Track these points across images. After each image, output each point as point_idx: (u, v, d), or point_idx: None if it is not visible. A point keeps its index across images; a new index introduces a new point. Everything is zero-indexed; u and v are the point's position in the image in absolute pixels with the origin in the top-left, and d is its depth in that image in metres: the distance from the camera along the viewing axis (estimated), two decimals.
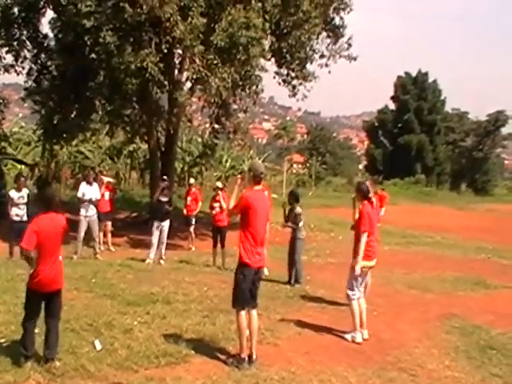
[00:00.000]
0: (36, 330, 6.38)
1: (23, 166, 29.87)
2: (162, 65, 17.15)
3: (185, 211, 17.67)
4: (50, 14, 20.59)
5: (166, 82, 19.03)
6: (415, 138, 61.02)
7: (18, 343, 6.30)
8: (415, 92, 63.46)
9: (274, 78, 23.36)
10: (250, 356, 6.73)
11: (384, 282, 11.83)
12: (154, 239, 14.11)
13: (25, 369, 5.96)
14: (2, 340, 6.84)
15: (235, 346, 7.09)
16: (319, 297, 10.62)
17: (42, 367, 6.05)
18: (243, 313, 6.71)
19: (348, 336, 8.06)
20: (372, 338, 8.14)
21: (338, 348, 7.75)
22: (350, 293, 8.13)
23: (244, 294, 6.68)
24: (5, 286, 9.89)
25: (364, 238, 7.93)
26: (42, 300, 6.26)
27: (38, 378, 5.84)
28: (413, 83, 64.43)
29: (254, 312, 6.81)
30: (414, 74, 65.61)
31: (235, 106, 21.71)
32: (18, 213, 13.13)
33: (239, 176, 7.17)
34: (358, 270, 7.92)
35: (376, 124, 67.43)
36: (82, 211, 14.27)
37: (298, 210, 12.03)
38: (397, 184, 51.87)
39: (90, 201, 14.29)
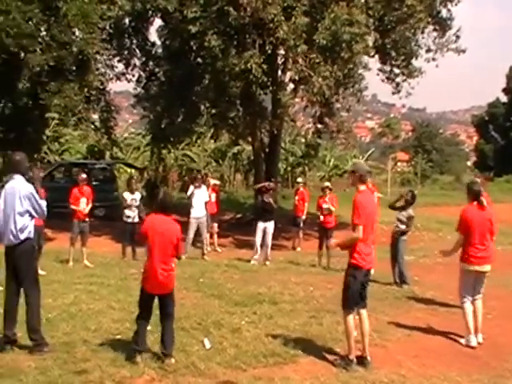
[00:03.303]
0: (148, 328, 6.60)
1: (133, 170, 31.09)
2: (265, 66, 17.29)
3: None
4: (157, 22, 21.42)
5: (269, 83, 19.19)
6: None
7: (132, 339, 6.55)
8: None
9: (378, 75, 23.00)
10: (361, 357, 6.65)
11: (498, 284, 11.22)
12: (258, 240, 14.20)
13: (139, 365, 6.18)
14: (118, 336, 7.15)
15: (343, 346, 7.01)
16: (428, 298, 10.29)
17: (156, 363, 6.24)
18: (352, 315, 6.64)
19: (462, 340, 7.74)
20: (487, 343, 7.75)
21: (450, 352, 7.45)
22: (460, 296, 7.86)
23: (354, 295, 6.61)
24: (119, 284, 10.35)
25: (459, 239, 7.80)
26: (152, 299, 6.46)
27: (152, 373, 6.02)
28: None
29: (364, 312, 6.74)
30: None
31: (338, 105, 21.47)
32: (130, 214, 13.73)
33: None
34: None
35: (486, 118, 64.53)
36: (192, 213, 14.65)
37: (411, 212, 11.75)
38: (510, 181, 49.42)
39: (198, 203, 14.68)
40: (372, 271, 6.83)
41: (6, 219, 6.55)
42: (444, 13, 21.74)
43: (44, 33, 15.96)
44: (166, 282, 6.38)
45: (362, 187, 6.76)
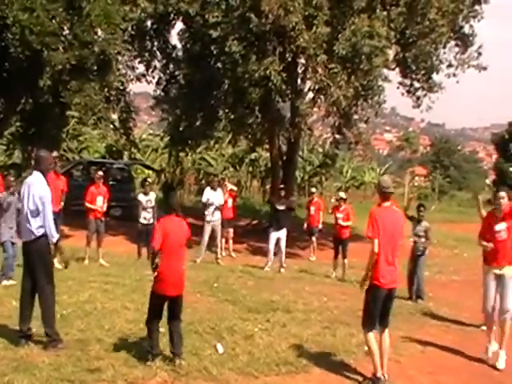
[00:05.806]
0: (161, 330, 6.58)
1: (150, 172, 31.16)
2: (284, 74, 17.31)
3: (306, 221, 17.59)
4: (178, 25, 21.54)
5: (288, 91, 19.19)
6: None
7: (145, 341, 6.53)
8: None
9: (398, 88, 22.97)
10: (373, 374, 6.48)
11: None
12: (271, 248, 14.11)
13: (152, 366, 6.15)
14: (131, 337, 7.12)
15: (356, 359, 7.00)
16: (442, 315, 10.14)
17: (168, 366, 6.21)
18: (372, 334, 6.47)
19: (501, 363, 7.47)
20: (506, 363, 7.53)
21: (465, 370, 7.31)
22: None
23: (373, 315, 6.45)
24: (134, 285, 10.33)
25: None
26: (164, 303, 6.45)
27: (164, 376, 6.00)
28: None
29: (385, 332, 6.56)
30: None
31: (356, 117, 21.43)
32: (146, 216, 13.73)
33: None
34: None
35: (506, 136, 64.12)
36: (207, 216, 14.60)
37: (427, 224, 11.62)
38: None
39: (214, 206, 14.61)
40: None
41: (24, 215, 6.56)
42: (466, 29, 21.72)
43: (67, 31, 16.09)
44: (182, 282, 6.50)
45: (386, 204, 6.51)
